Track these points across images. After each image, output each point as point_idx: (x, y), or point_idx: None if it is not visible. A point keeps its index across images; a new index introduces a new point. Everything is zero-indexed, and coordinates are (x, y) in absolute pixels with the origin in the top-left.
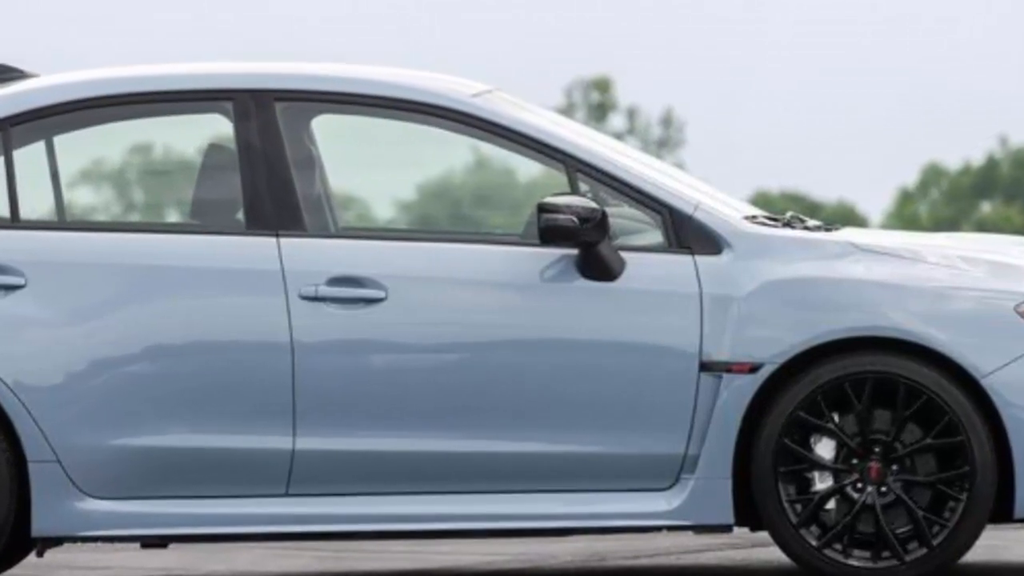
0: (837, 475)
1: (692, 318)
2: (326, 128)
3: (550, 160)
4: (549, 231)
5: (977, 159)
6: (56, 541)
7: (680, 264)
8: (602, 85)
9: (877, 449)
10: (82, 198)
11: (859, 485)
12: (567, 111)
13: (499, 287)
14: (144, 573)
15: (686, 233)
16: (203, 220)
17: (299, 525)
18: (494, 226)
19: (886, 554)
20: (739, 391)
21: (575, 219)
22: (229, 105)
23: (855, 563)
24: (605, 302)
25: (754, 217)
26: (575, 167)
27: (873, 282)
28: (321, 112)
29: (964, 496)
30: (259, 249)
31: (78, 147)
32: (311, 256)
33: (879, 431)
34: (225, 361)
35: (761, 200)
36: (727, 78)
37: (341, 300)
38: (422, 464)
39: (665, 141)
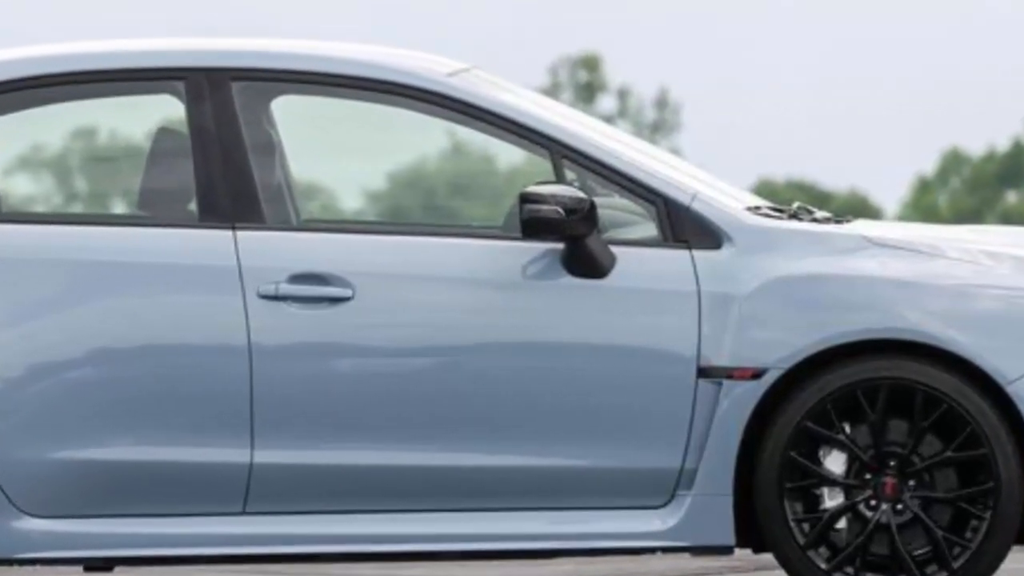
0: (848, 491)
1: (689, 319)
2: (287, 110)
3: (534, 145)
4: (532, 223)
5: (1002, 144)
6: None
7: (676, 260)
8: (590, 63)
9: (892, 463)
10: (19, 187)
11: (873, 502)
12: (552, 92)
13: (477, 285)
14: None
15: (682, 225)
16: (152, 211)
17: (258, 546)
18: (472, 218)
19: None
20: (741, 399)
21: (561, 210)
22: (181, 85)
23: None
24: (593, 301)
25: (757, 208)
26: (561, 153)
27: (888, 280)
28: (282, 93)
29: (988, 514)
30: (214, 243)
31: (15, 131)
32: (271, 251)
33: (895, 443)
34: (176, 366)
35: (765, 189)
36: (727, 55)
37: (304, 299)
38: (393, 479)
39: (659, 125)
